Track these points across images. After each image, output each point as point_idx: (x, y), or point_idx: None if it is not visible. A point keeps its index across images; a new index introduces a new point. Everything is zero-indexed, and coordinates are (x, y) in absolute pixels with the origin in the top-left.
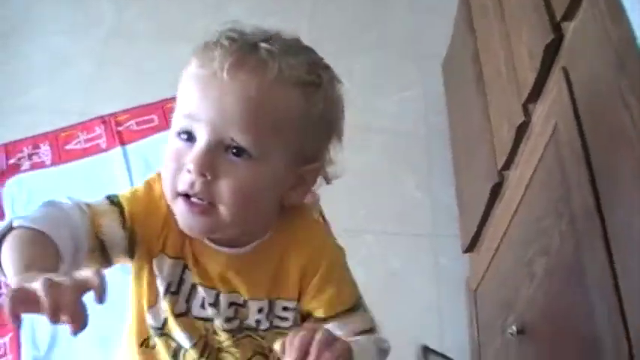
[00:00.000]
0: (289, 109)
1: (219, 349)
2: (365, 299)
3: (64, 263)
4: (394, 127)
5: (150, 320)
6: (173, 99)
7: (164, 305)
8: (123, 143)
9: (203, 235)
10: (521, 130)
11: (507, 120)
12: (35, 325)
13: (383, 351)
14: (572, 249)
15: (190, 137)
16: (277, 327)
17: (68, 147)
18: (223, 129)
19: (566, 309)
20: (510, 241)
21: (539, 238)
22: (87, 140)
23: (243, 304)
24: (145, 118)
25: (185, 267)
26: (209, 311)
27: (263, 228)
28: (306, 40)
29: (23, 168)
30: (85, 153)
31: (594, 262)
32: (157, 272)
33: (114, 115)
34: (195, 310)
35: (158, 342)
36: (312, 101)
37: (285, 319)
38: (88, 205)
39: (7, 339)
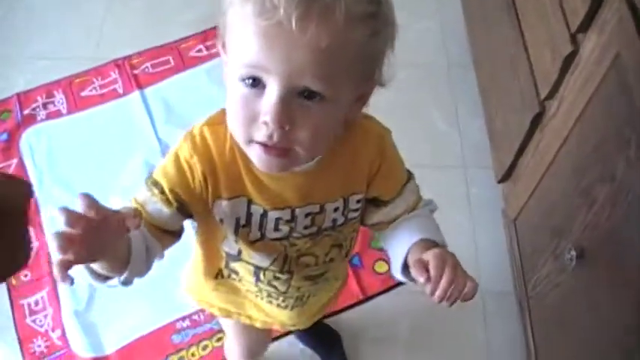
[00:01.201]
0: (359, 46)
1: (299, 256)
2: None
3: (132, 252)
4: (414, 60)
5: (226, 249)
6: (188, 39)
7: (237, 238)
8: (140, 87)
9: (281, 172)
10: (569, 60)
11: (551, 49)
12: (73, 276)
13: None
14: None
15: (257, 83)
16: (351, 219)
17: (84, 94)
18: (296, 79)
19: (632, 234)
20: (558, 170)
21: (598, 165)
22: (102, 86)
23: (320, 211)
24: (161, 59)
25: (249, 202)
26: (284, 230)
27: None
28: None
29: (39, 118)
30: (102, 99)
31: None
32: (221, 216)
33: (128, 58)
34: (270, 234)
35: (236, 266)
36: (377, 30)
37: (356, 210)
38: (135, 201)
39: (44, 293)
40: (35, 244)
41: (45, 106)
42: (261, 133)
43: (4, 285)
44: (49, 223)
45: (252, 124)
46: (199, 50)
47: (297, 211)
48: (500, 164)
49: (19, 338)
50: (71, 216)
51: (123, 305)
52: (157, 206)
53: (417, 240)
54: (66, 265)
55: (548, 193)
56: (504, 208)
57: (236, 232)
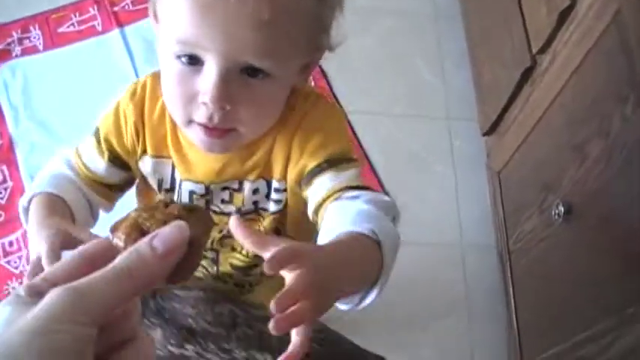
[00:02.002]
0: (305, 15)
1: (222, 237)
2: (389, 181)
3: (74, 212)
4: (400, 8)
5: None
6: None
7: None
8: (120, 25)
9: (224, 152)
10: (565, 14)
11: (546, 3)
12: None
13: (390, 209)
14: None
15: (194, 60)
16: (275, 210)
17: (61, 30)
18: (236, 55)
19: (624, 193)
20: (548, 125)
21: (593, 121)
22: (80, 22)
23: (239, 188)
24: None
25: (174, 166)
26: (200, 204)
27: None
28: None
29: (14, 54)
30: (80, 36)
31: None
32: (145, 173)
33: None
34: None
35: None
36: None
37: (279, 201)
38: (76, 150)
39: (19, 234)
40: (10, 184)
41: (20, 41)
42: (200, 114)
43: None
44: (24, 161)
45: (190, 104)
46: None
47: (212, 186)
48: (486, 117)
49: None
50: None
51: None
52: (92, 156)
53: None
54: None
55: (537, 147)
56: (488, 161)
57: (159, 194)
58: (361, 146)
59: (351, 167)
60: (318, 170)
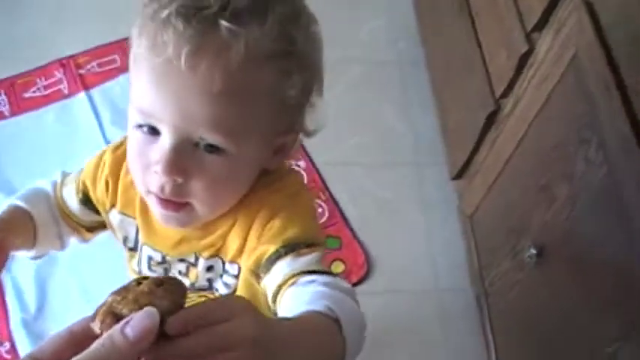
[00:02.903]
0: (262, 89)
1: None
2: (362, 232)
3: (38, 229)
4: (364, 57)
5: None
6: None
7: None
8: (86, 87)
9: (181, 228)
10: (524, 59)
11: (506, 48)
12: (22, 286)
13: (347, 290)
14: (604, 175)
15: (152, 130)
16: (231, 290)
17: (27, 95)
18: (190, 128)
19: (593, 234)
20: (515, 169)
21: (558, 164)
22: (46, 87)
23: (195, 262)
24: (107, 59)
25: (137, 229)
26: (157, 271)
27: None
28: None
29: None
30: (46, 100)
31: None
32: (113, 225)
33: (73, 57)
34: (145, 271)
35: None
36: (287, 71)
37: (235, 276)
38: (62, 179)
39: None
40: None
41: None
42: (153, 183)
43: None
44: None
45: (147, 174)
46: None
47: (168, 257)
48: (454, 161)
49: None
50: None
51: (76, 311)
52: (70, 192)
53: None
54: None
55: (505, 191)
56: (460, 205)
57: (124, 249)
58: (332, 197)
59: (312, 252)
60: (276, 256)
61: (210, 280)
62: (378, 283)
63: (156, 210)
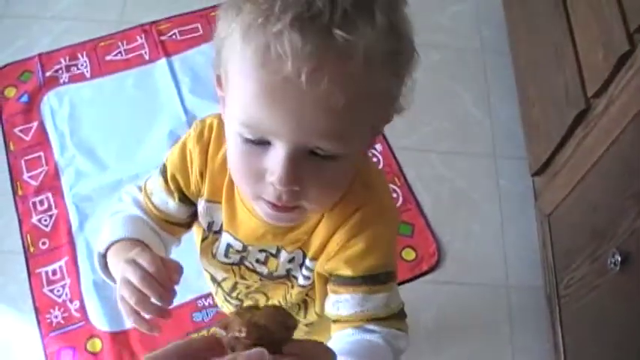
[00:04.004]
0: (379, 93)
1: (248, 293)
2: (436, 219)
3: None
4: (447, 42)
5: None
6: (217, 7)
7: (201, 243)
8: (167, 54)
9: (289, 224)
10: (624, 59)
11: (604, 46)
12: (93, 247)
13: (398, 350)
14: None
15: (262, 141)
16: (305, 284)
17: (108, 58)
18: (307, 139)
19: None
20: (604, 171)
21: None
22: (128, 51)
23: (276, 254)
24: (189, 27)
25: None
26: (233, 258)
27: None
28: None
29: (62, 80)
30: (127, 64)
31: None
32: (199, 214)
33: (155, 23)
34: (220, 257)
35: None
36: (399, 72)
37: (308, 277)
38: (144, 189)
39: (62, 262)
40: (55, 212)
41: (68, 68)
42: (269, 193)
43: (21, 254)
44: (69, 189)
45: (258, 182)
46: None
47: (250, 247)
48: (536, 157)
49: (35, 307)
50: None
51: None
52: (162, 197)
53: None
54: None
55: (591, 192)
56: (537, 203)
57: (204, 236)
58: (407, 183)
59: (384, 290)
60: (350, 281)
61: (289, 270)
62: (447, 272)
63: (265, 212)
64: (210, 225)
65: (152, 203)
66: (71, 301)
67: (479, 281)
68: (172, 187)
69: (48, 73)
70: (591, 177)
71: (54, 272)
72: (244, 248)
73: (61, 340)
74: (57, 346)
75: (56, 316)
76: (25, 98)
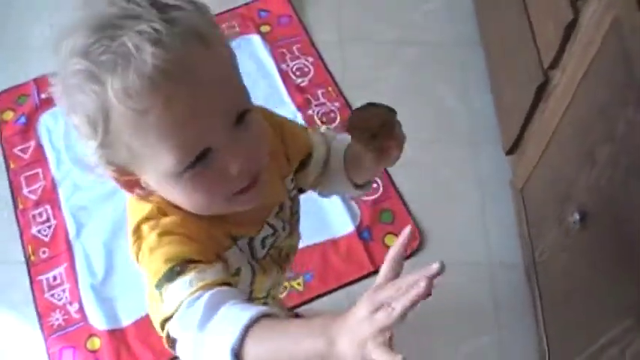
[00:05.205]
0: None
1: (287, 254)
2: (416, 207)
3: None
4: (423, 39)
5: None
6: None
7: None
8: None
9: (261, 198)
10: (570, 28)
11: (553, 19)
12: (90, 252)
13: None
14: None
15: (201, 154)
16: (295, 196)
17: None
18: (232, 108)
19: (634, 193)
20: (563, 137)
21: (600, 125)
22: None
23: (280, 208)
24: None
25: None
26: (268, 242)
27: None
28: None
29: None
30: None
31: None
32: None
33: None
34: (259, 253)
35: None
36: (224, 40)
37: (293, 188)
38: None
39: (62, 269)
40: (53, 222)
41: None
42: (236, 185)
43: (23, 263)
44: (66, 200)
45: (224, 186)
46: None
47: (271, 220)
48: (508, 136)
49: (38, 313)
50: None
51: (138, 279)
52: (206, 273)
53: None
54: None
55: (553, 160)
56: (512, 179)
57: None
58: (387, 171)
59: (310, 130)
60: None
61: (290, 207)
62: (431, 255)
63: (242, 202)
64: (253, 254)
65: (208, 282)
66: (71, 304)
67: (461, 260)
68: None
69: (43, 95)
70: (552, 146)
71: (54, 278)
72: (274, 229)
73: (63, 341)
74: (58, 346)
75: (57, 319)
76: (22, 120)
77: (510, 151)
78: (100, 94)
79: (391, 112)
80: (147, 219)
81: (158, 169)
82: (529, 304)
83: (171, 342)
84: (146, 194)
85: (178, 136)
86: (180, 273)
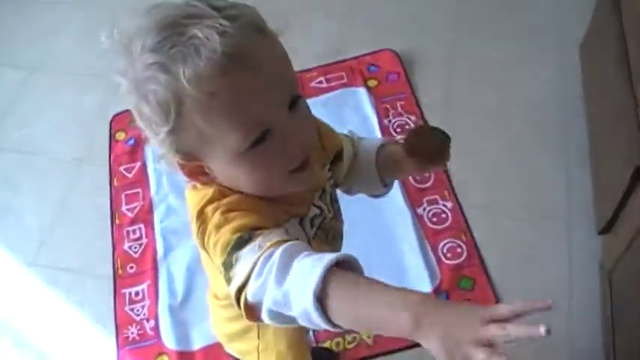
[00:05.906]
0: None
1: (333, 237)
2: (500, 278)
3: None
4: (531, 111)
5: None
6: (311, 70)
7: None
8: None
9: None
10: None
11: None
12: (173, 274)
13: None
14: None
15: (262, 135)
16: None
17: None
18: (288, 91)
19: None
20: None
21: None
22: None
23: (323, 191)
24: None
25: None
26: (316, 222)
27: None
28: (445, 29)
29: None
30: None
31: None
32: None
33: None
34: (308, 230)
35: None
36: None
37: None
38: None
39: (145, 285)
40: (144, 241)
41: None
42: (294, 161)
43: (110, 277)
44: (159, 222)
45: (282, 163)
46: (320, 82)
47: (317, 202)
48: (602, 215)
49: (116, 324)
50: None
51: None
52: (274, 234)
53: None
54: None
55: None
56: (601, 260)
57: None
58: (473, 240)
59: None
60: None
61: (331, 194)
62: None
63: (301, 180)
64: (312, 221)
65: (278, 239)
66: (147, 320)
67: (540, 342)
68: (263, 229)
69: None
70: None
71: (137, 293)
72: (320, 210)
73: (134, 354)
74: (129, 359)
75: (132, 332)
76: (131, 141)
77: (603, 231)
78: (172, 81)
79: (447, 137)
80: (210, 202)
81: (225, 146)
82: None
83: (250, 310)
84: (209, 180)
85: (244, 115)
86: (248, 240)
